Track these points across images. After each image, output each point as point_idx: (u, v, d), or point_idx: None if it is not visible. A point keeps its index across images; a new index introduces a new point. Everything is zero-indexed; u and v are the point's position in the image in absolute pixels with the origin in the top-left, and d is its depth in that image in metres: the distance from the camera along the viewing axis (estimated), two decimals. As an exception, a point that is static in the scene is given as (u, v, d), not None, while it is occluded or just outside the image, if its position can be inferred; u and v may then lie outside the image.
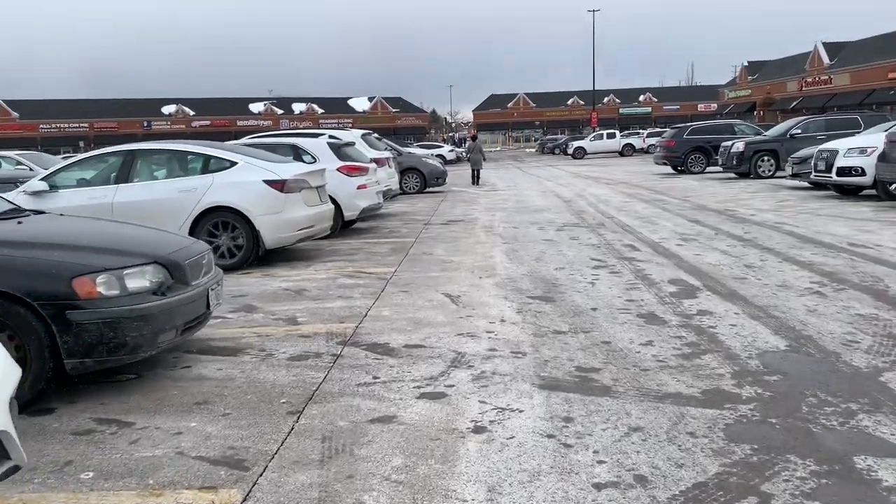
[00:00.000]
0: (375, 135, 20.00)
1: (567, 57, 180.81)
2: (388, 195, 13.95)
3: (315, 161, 11.06)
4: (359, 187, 11.07)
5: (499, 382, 4.15)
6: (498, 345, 4.91)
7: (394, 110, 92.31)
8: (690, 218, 11.94)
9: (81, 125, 77.81)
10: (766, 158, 21.20)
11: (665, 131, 56.94)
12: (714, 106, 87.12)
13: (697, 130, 26.56)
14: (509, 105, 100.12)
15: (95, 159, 9.16)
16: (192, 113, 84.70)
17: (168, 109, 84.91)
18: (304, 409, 3.86)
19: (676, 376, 4.14)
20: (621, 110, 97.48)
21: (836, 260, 7.60)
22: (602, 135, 52.52)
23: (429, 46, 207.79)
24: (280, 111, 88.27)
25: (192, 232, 8.41)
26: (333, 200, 10.80)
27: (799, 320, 5.25)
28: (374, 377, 4.35)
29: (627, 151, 50.84)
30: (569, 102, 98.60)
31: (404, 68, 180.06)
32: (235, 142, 11.72)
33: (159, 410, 3.95)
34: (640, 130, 64.53)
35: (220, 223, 8.46)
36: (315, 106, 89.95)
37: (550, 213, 13.88)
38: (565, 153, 54.36)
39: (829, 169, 13.86)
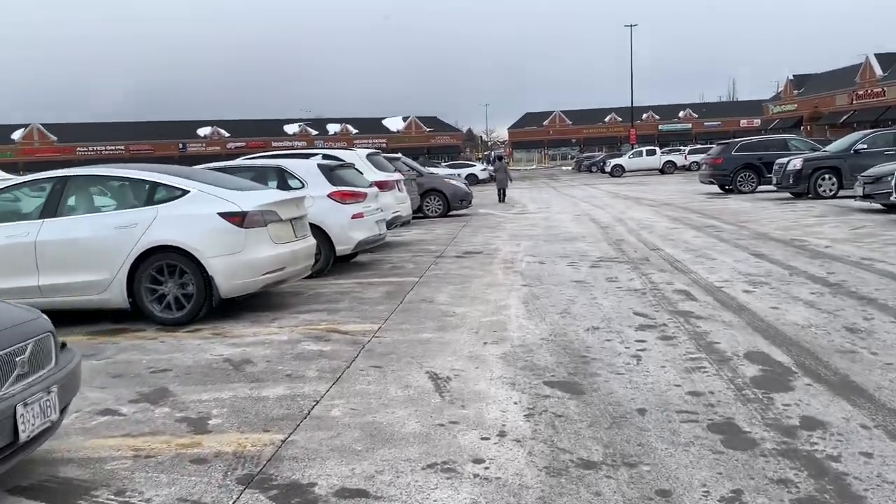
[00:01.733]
0: (388, 154, 18.37)
1: (604, 73, 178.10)
2: (397, 223, 12.18)
3: (303, 186, 9.35)
4: (354, 216, 9.30)
5: None
6: (486, 494, 3.04)
7: (428, 129, 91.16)
8: (753, 251, 9.90)
9: (118, 147, 78.09)
10: (826, 177, 18.97)
11: (710, 147, 54.72)
12: (757, 121, 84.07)
13: (747, 146, 24.33)
14: (545, 123, 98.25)
15: (20, 187, 7.53)
16: (227, 134, 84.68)
17: (204, 131, 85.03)
18: None
19: None
20: (661, 127, 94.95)
21: (972, 319, 5.57)
22: (641, 152, 50.25)
23: (464, 65, 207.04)
24: (314, 132, 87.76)
25: (130, 278, 6.73)
26: (323, 232, 9.08)
27: (974, 444, 3.28)
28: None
29: (668, 169, 48.49)
30: (606, 119, 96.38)
31: (440, 87, 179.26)
32: (205, 165, 10.08)
33: None
34: (681, 147, 62.15)
35: (164, 266, 6.76)
36: (349, 126, 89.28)
37: (584, 242, 11.94)
38: (603, 171, 52.16)
39: (917, 190, 11.68)
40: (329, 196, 9.26)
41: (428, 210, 19.34)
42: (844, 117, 54.87)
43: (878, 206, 14.84)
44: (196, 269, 6.66)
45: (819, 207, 16.28)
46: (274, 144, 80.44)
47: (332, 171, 9.56)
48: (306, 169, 9.52)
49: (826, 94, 59.99)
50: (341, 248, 9.27)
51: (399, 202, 12.35)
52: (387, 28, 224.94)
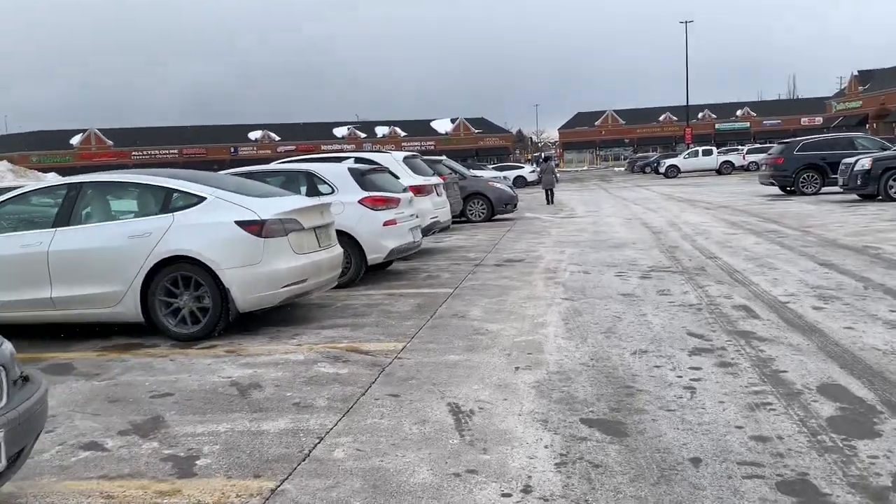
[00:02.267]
0: (430, 157, 17.91)
1: (658, 71, 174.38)
2: (435, 229, 11.66)
3: (333, 191, 8.91)
4: (386, 223, 8.81)
5: None
6: (500, 574, 2.47)
7: (476, 131, 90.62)
8: (820, 259, 9.06)
9: (171, 151, 79.73)
10: (899, 177, 17.71)
11: (770, 147, 52.73)
12: (819, 119, 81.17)
13: (810, 145, 23.08)
14: (597, 123, 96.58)
15: (35, 194, 7.26)
16: (277, 138, 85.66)
17: (255, 135, 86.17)
18: None
19: None
20: (717, 126, 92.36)
21: None
22: (697, 152, 48.71)
23: (514, 66, 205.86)
24: (363, 135, 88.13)
25: (144, 290, 6.36)
26: (353, 240, 8.62)
27: None
28: None
29: (726, 169, 46.88)
30: (660, 118, 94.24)
31: (489, 88, 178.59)
32: (233, 170, 9.73)
33: None
34: (739, 147, 60.13)
35: (179, 278, 6.36)
36: (398, 129, 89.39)
37: (635, 249, 11.22)
38: (657, 172, 50.79)
39: None
40: (360, 202, 8.79)
41: (471, 214, 18.78)
42: (914, 114, 52.36)
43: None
44: (212, 282, 6.25)
45: (891, 211, 15.14)
46: (323, 147, 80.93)
47: (363, 176, 9.09)
48: (336, 173, 9.07)
49: (894, 90, 57.34)
50: (373, 256, 8.79)
51: (437, 207, 11.82)
52: (436, 30, 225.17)
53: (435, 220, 11.51)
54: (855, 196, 19.03)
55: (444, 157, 21.94)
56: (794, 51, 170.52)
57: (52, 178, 17.36)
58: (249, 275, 6.25)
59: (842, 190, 19.27)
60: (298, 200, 7.12)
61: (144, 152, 78.77)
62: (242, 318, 6.48)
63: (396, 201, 9.10)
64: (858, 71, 67.50)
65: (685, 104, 67.92)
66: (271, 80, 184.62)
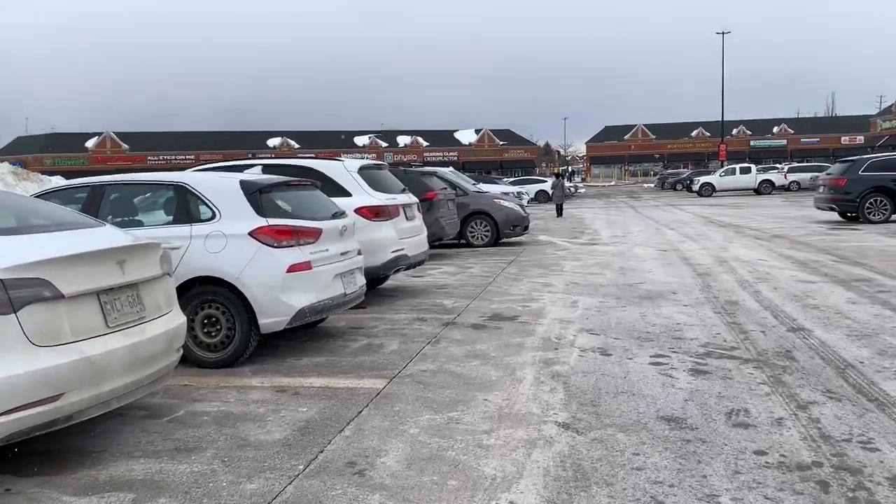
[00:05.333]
0: (424, 168, 14.84)
1: (690, 86, 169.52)
2: (399, 265, 8.47)
3: (214, 216, 5.75)
4: (292, 268, 5.62)
5: None
6: None
7: (501, 143, 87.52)
8: (977, 342, 5.70)
9: (188, 157, 77.59)
10: None
11: (812, 165, 48.78)
12: (861, 138, 76.68)
13: (878, 165, 19.51)
14: (626, 137, 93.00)
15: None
16: (296, 146, 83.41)
17: (273, 142, 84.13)
18: None
19: None
20: (752, 143, 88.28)
21: None
22: (734, 169, 44.99)
23: (544, 78, 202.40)
24: (384, 144, 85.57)
25: None
26: (238, 294, 5.49)
27: None
28: None
29: (765, 189, 43.14)
30: (693, 134, 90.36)
31: (517, 100, 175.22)
32: (88, 179, 6.66)
33: None
34: (777, 165, 56.20)
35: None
36: (420, 139, 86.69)
37: (676, 304, 7.93)
38: (689, 190, 47.21)
39: None
40: (252, 234, 5.62)
41: (472, 237, 15.57)
42: (972, 134, 48.16)
43: None
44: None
45: None
46: (344, 156, 78.41)
47: (264, 193, 5.91)
48: (221, 189, 5.89)
49: (949, 107, 53.11)
50: (268, 321, 5.60)
51: (405, 235, 8.60)
52: (462, 40, 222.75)
53: (398, 253, 8.31)
54: (942, 227, 15.53)
55: (436, 170, 18.81)
56: (833, 68, 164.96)
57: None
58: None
59: (925, 219, 15.78)
60: (79, 240, 3.95)
61: (160, 157, 76.74)
62: None
63: (313, 233, 5.91)
64: (908, 87, 63.16)
65: (719, 119, 64.10)
66: (296, 87, 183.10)
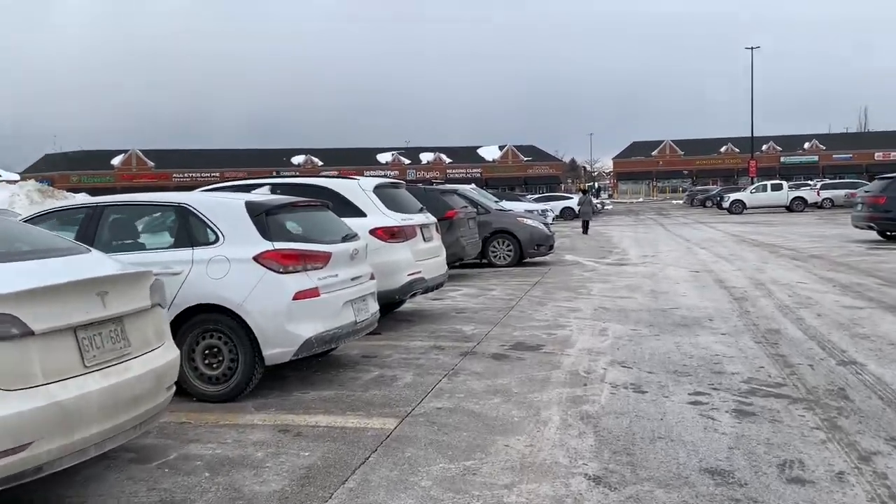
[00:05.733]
0: (445, 186, 14.51)
1: (719, 101, 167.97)
2: (416, 289, 8.06)
3: (217, 240, 5.39)
4: (298, 295, 5.23)
5: None
6: None
7: (525, 159, 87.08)
8: None
9: (213, 174, 78.22)
10: None
11: (846, 182, 47.58)
12: (895, 154, 74.88)
13: (920, 181, 18.74)
14: (654, 153, 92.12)
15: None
16: (320, 163, 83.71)
17: (298, 159, 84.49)
18: None
19: None
20: (783, 159, 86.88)
21: None
22: (765, 186, 44.06)
23: (570, 92, 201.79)
24: (407, 161, 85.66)
25: None
26: (242, 322, 5.11)
27: None
28: None
29: (797, 206, 42.11)
30: (722, 150, 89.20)
31: (543, 115, 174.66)
32: (81, 201, 6.35)
33: None
34: (809, 181, 55.04)
35: None
36: (443, 155, 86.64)
37: (714, 332, 7.41)
38: (719, 206, 46.26)
39: None
40: (256, 259, 5.24)
41: (494, 257, 15.11)
42: None
43: None
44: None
45: None
46: (367, 173, 78.56)
47: (271, 215, 5.55)
48: (226, 210, 5.53)
49: None
50: (272, 352, 5.20)
51: (423, 257, 8.19)
52: (488, 54, 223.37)
53: (415, 277, 7.90)
54: None
55: (466, 187, 18.47)
56: (866, 82, 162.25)
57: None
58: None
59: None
60: (57, 269, 3.58)
61: (185, 174, 77.45)
62: None
63: (322, 258, 5.52)
64: (944, 102, 61.72)
65: (749, 135, 63.15)
66: (321, 105, 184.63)
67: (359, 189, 8.00)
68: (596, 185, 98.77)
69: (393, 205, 8.19)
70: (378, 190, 8.15)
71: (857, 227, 20.01)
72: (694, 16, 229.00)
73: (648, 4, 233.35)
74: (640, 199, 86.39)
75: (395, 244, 7.70)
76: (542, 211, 26.10)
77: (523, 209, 20.79)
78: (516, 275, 13.51)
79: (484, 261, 15.04)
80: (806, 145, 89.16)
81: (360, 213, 7.77)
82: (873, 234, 19.35)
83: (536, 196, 46.51)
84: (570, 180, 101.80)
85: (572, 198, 43.18)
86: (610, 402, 4.99)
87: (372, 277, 6.37)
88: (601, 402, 5.00)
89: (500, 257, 15.12)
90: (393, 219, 7.93)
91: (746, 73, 59.86)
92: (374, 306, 6.27)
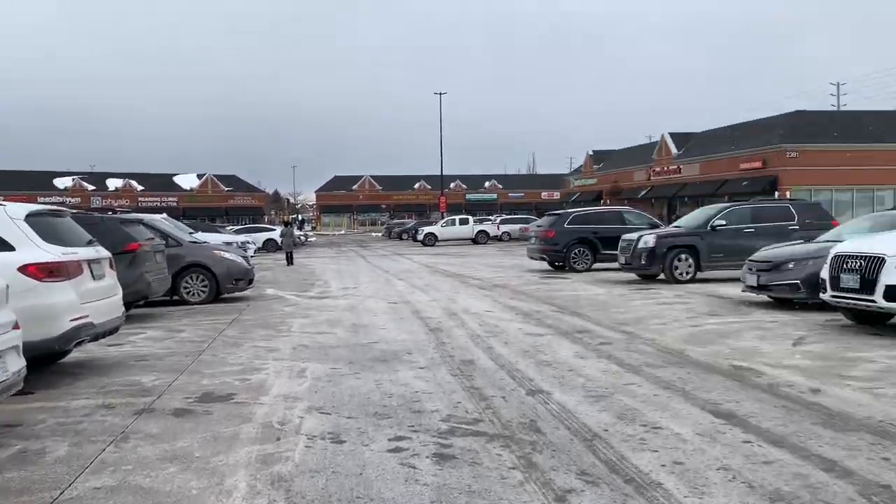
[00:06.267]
0: (129, 216, 13.07)
1: (415, 140, 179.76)
2: (83, 337, 6.81)
3: None
4: None
5: None
6: None
7: (227, 189, 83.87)
8: (710, 406, 5.75)
9: None
10: (683, 257, 16.11)
11: (520, 217, 53.32)
12: (557, 194, 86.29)
13: (581, 218, 21.46)
14: (354, 187, 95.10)
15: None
16: (-23, 187, 71.61)
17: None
18: None
19: None
20: (468, 196, 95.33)
21: None
22: (454, 220, 47.53)
23: (272, 124, 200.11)
24: (91, 187, 77.31)
25: None
26: None
27: None
28: None
29: (482, 239, 46.11)
30: (416, 186, 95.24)
31: (244, 146, 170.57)
32: None
33: None
34: (490, 217, 60.76)
35: None
36: (133, 182, 79.92)
37: (412, 367, 7.32)
38: (414, 239, 48.79)
39: (867, 287, 8.40)
40: None
41: (187, 293, 13.83)
42: (644, 192, 56.40)
43: (759, 296, 11.85)
44: None
45: (694, 298, 13.03)
46: (40, 200, 68.92)
47: None
48: None
49: (625, 169, 61.77)
50: None
51: (93, 298, 6.95)
52: (180, 76, 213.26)
53: (81, 322, 6.67)
54: (634, 275, 17.22)
55: (156, 216, 16.89)
56: (533, 131, 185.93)
57: None
58: None
59: (621, 268, 17.40)
60: None
61: None
62: None
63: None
64: (594, 150, 72.55)
65: (439, 174, 67.94)
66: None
67: (5, 217, 6.55)
68: (300, 216, 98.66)
69: (52, 237, 6.86)
70: (32, 218, 6.77)
71: (531, 258, 22.22)
72: (395, 52, 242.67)
73: (357, 39, 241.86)
74: (343, 231, 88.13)
75: (54, 283, 6.42)
76: (242, 243, 24.92)
77: (221, 241, 19.57)
78: (211, 312, 12.45)
79: (175, 298, 13.69)
80: (487, 184, 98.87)
81: (7, 247, 6.38)
82: (545, 265, 21.61)
83: (238, 227, 44.79)
84: (273, 212, 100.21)
85: (275, 230, 42.29)
86: (304, 459, 4.49)
87: (16, 327, 5.15)
88: (295, 460, 4.47)
89: (193, 294, 13.87)
90: (51, 253, 6.62)
91: (437, 117, 64.35)
92: (15, 363, 5.04)
